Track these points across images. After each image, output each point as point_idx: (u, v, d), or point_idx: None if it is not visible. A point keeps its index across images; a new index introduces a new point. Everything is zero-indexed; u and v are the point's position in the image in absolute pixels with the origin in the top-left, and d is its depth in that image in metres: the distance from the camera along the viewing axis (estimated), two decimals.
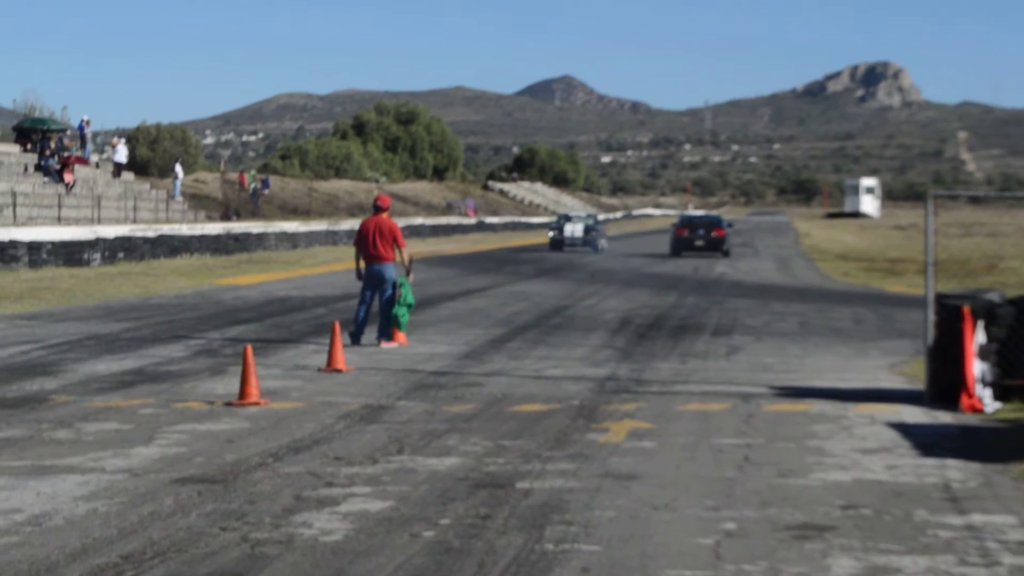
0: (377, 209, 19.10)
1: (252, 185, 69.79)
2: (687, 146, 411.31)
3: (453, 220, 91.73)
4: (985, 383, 12.98)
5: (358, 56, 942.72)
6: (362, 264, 18.96)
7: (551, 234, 61.88)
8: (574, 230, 60.74)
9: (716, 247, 53.78)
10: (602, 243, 61.55)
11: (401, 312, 18.76)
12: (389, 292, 18.68)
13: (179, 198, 60.19)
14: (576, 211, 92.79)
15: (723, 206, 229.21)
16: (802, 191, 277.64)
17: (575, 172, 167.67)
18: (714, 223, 55.76)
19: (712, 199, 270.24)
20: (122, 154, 59.08)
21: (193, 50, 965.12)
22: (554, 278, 37.95)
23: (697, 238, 54.39)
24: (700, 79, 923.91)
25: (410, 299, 18.83)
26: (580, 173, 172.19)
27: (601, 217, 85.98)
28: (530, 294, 30.72)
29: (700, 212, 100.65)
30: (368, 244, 18.89)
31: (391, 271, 18.82)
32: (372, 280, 18.87)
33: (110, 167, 57.81)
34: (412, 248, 59.19)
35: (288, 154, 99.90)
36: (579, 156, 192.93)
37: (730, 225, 57.66)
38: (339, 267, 40.15)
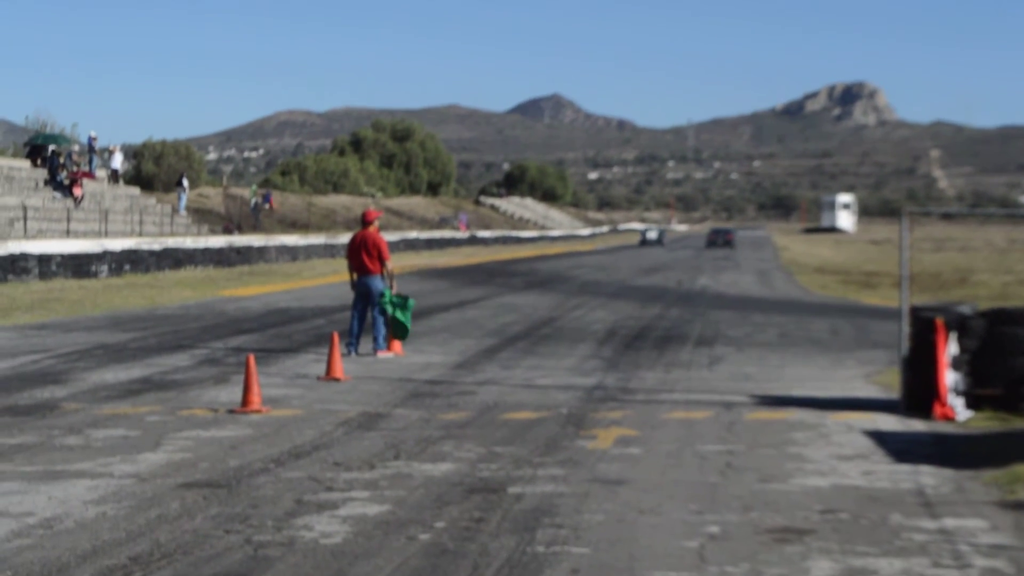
0: (365, 223, 19.37)
1: (253, 200, 70.06)
2: (671, 163, 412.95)
3: (446, 234, 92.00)
4: (957, 392, 13.09)
5: (356, 75, 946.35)
6: (355, 276, 19.31)
7: (640, 237, 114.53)
8: (652, 235, 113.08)
9: (729, 244, 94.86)
10: (665, 241, 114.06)
11: (401, 324, 18.95)
12: (384, 305, 18.99)
13: (184, 212, 60.43)
14: (651, 226, 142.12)
15: (704, 221, 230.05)
16: (781, 207, 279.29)
17: (563, 188, 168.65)
18: (728, 231, 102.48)
19: (695, 214, 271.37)
20: (117, 161, 59.68)
21: (197, 69, 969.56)
22: (543, 290, 38.14)
23: (719, 239, 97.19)
24: (683, 98, 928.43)
25: (400, 312, 18.99)
26: (568, 189, 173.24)
27: (614, 227, 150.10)
28: (520, 306, 30.87)
29: (723, 226, 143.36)
30: (356, 257, 19.20)
31: (378, 283, 19.02)
32: (362, 291, 19.11)
33: (108, 172, 58.43)
34: (407, 261, 59.59)
35: (288, 170, 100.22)
36: (567, 172, 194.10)
37: (735, 232, 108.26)
38: (337, 279, 40.28)
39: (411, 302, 19.03)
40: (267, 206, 72.22)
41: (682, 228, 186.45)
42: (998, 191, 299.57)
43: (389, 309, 18.82)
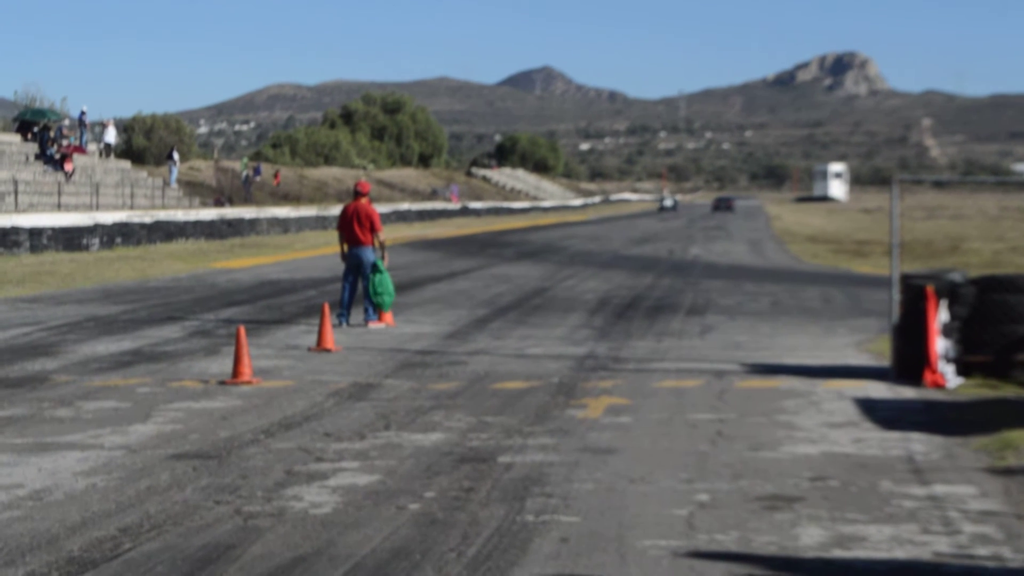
0: (357, 195, 19.40)
1: (244, 172, 70.01)
2: (662, 134, 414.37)
3: (438, 205, 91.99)
4: (948, 360, 13.14)
5: (346, 48, 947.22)
6: (346, 247, 19.33)
7: (659, 205, 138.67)
8: (668, 203, 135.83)
9: (730, 209, 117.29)
10: (679, 208, 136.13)
11: (383, 298, 19.04)
12: (370, 274, 19.03)
13: (175, 185, 60.40)
14: (667, 196, 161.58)
15: (697, 191, 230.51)
16: (773, 176, 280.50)
17: (555, 159, 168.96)
18: (730, 199, 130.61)
19: (687, 184, 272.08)
20: (111, 135, 59.82)
21: (187, 43, 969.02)
22: (535, 261, 38.17)
23: (722, 205, 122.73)
24: (675, 69, 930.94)
25: (389, 287, 19.05)
26: (560, 160, 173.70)
27: (611, 198, 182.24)
28: (512, 276, 30.90)
29: (726, 195, 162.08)
30: (349, 228, 19.23)
31: (370, 254, 19.09)
32: (353, 263, 19.16)
33: (100, 147, 58.48)
34: (399, 232, 59.56)
35: (279, 143, 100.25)
36: (559, 144, 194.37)
37: (735, 199, 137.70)
38: (328, 251, 40.25)
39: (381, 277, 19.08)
40: (258, 178, 72.18)
41: (724, 195, 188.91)
42: (989, 159, 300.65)
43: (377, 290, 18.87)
